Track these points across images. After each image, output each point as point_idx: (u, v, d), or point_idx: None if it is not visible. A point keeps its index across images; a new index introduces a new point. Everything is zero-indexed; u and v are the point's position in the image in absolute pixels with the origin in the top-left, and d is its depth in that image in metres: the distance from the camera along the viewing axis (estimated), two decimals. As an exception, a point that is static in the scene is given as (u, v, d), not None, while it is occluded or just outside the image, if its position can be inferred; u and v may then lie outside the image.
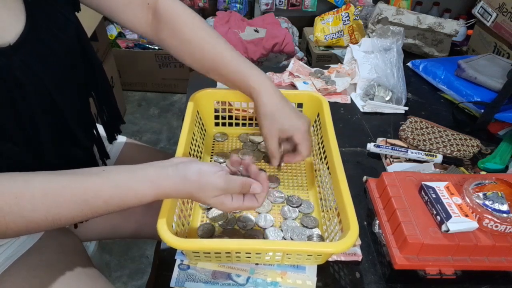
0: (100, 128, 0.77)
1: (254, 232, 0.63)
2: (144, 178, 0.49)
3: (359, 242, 0.62)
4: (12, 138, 0.52)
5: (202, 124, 0.79)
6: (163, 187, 0.49)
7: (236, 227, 0.64)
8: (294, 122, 0.65)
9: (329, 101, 0.76)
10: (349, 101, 0.98)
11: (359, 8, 1.87)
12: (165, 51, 0.70)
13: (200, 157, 0.74)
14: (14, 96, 0.50)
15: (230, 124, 0.83)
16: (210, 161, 0.75)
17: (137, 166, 0.50)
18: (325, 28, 1.96)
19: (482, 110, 0.90)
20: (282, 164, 0.71)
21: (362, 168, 0.78)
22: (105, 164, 0.78)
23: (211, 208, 0.66)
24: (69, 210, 0.46)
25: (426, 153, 0.79)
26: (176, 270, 0.58)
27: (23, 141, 0.54)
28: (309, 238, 0.61)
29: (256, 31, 1.98)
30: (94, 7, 0.65)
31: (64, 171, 0.48)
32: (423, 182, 0.59)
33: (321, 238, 0.61)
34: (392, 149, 0.80)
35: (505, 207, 0.55)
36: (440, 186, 0.58)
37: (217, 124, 0.83)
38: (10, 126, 0.51)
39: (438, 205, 0.55)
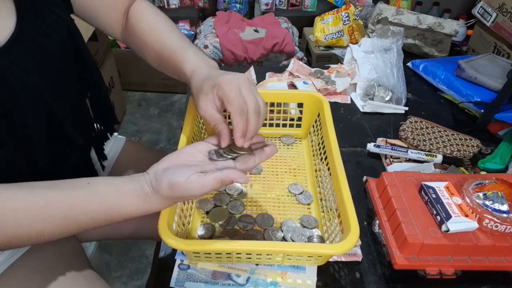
0: None
1: (254, 232, 0.63)
2: (130, 194, 0.47)
3: (359, 242, 0.62)
4: (1, 142, 0.51)
5: (202, 123, 0.79)
6: (149, 203, 0.47)
7: (236, 227, 0.64)
8: (227, 75, 0.53)
9: (329, 101, 0.76)
10: (349, 101, 0.98)
11: (359, 8, 1.87)
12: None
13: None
14: (4, 98, 0.49)
15: (230, 124, 0.83)
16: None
17: (122, 180, 0.48)
18: (325, 28, 1.96)
19: (482, 110, 0.90)
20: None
21: (362, 168, 0.78)
22: (102, 166, 0.78)
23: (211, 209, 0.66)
24: (54, 226, 0.45)
25: (426, 153, 0.79)
26: (176, 270, 0.58)
27: (14, 144, 0.53)
28: (309, 238, 0.61)
29: (256, 31, 1.98)
30: (78, 9, 0.65)
31: (49, 184, 0.47)
32: (423, 182, 0.59)
33: (321, 239, 0.61)
34: (392, 149, 0.80)
35: (505, 207, 0.55)
36: (440, 186, 0.58)
37: (217, 124, 0.83)
38: (0, 129, 0.51)
39: (438, 205, 0.55)
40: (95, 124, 0.75)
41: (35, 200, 0.44)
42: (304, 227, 0.63)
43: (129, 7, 0.69)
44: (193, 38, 2.10)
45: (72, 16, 0.64)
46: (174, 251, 0.60)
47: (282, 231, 0.62)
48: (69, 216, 0.45)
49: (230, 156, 0.52)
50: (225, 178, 0.45)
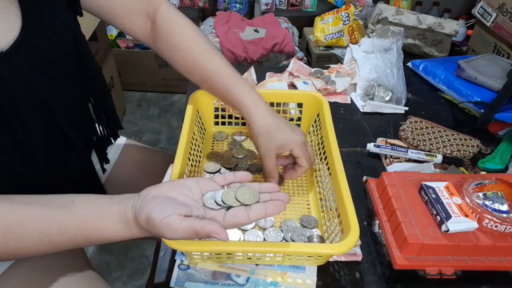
0: None
1: (254, 232, 0.63)
2: (112, 217, 0.46)
3: (359, 242, 0.62)
4: (1, 146, 0.51)
5: (202, 123, 0.79)
6: (130, 229, 0.46)
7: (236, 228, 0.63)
8: (291, 136, 0.63)
9: (329, 101, 0.76)
10: (349, 101, 0.98)
11: (359, 8, 1.87)
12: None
13: (200, 156, 0.74)
14: (3, 103, 0.49)
15: (230, 123, 0.83)
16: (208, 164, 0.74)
17: (109, 200, 0.47)
18: (325, 28, 1.96)
19: (482, 110, 0.90)
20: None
21: (362, 168, 0.78)
22: (103, 169, 0.78)
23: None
24: (31, 244, 0.44)
25: (426, 153, 0.79)
26: (176, 270, 0.58)
27: (14, 148, 0.53)
28: (309, 238, 0.61)
29: (256, 31, 1.98)
30: (95, 13, 0.65)
31: (31, 199, 0.46)
32: (423, 182, 0.59)
33: (321, 239, 0.61)
34: (392, 149, 0.80)
35: (505, 207, 0.55)
36: (440, 186, 0.58)
37: (216, 124, 0.83)
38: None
39: (438, 205, 0.55)
40: (98, 129, 0.75)
41: (13, 217, 0.43)
42: (304, 227, 0.63)
43: (151, 12, 0.67)
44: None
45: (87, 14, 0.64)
46: (174, 251, 0.60)
47: (282, 231, 0.62)
48: (46, 236, 0.44)
49: (226, 205, 0.48)
50: (199, 230, 0.42)
